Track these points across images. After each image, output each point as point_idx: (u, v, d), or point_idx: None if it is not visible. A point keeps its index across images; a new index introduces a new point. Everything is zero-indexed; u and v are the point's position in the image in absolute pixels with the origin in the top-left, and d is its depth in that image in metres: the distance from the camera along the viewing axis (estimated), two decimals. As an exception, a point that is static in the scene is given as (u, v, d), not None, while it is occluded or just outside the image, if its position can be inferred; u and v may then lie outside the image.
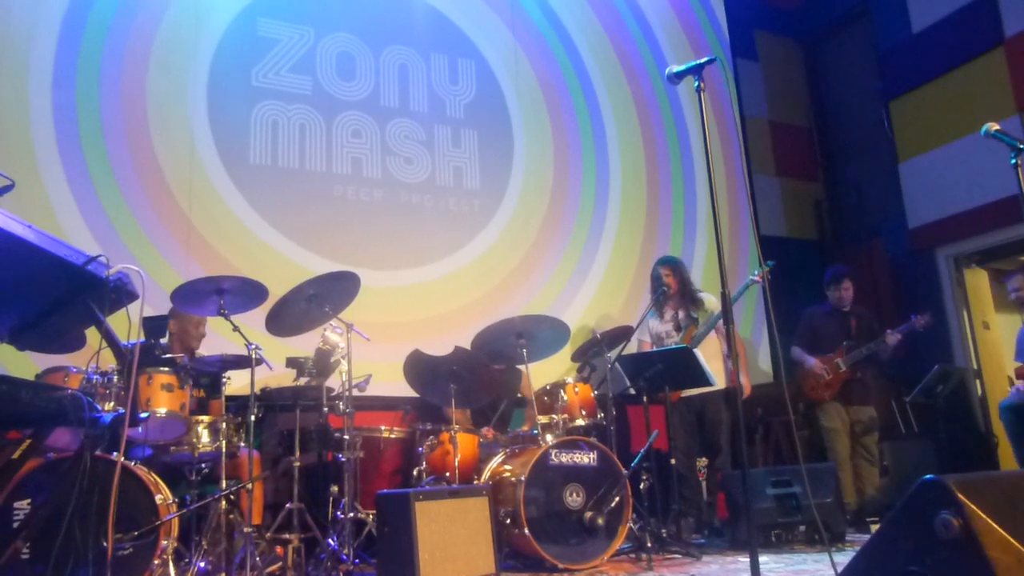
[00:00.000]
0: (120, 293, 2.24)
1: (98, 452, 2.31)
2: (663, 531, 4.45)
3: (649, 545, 4.14)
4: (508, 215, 6.25)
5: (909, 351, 5.58)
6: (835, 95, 8.50)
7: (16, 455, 2.18)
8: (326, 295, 4.07)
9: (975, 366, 6.90)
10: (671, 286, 5.34)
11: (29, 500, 3.08)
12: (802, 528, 4.67)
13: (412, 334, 5.22)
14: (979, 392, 6.82)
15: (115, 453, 2.78)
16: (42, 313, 2.23)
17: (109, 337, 2.25)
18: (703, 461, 5.28)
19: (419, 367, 4.35)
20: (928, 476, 1.76)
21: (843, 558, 4.11)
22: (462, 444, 4.26)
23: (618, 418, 5.22)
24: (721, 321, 5.29)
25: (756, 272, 5.25)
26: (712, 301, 5.44)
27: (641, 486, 4.47)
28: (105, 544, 2.45)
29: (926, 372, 6.03)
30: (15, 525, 3.02)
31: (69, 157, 4.89)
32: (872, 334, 5.58)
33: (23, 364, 3.91)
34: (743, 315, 6.93)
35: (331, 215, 5.60)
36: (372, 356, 4.54)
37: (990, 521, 1.65)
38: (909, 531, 1.78)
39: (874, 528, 5.22)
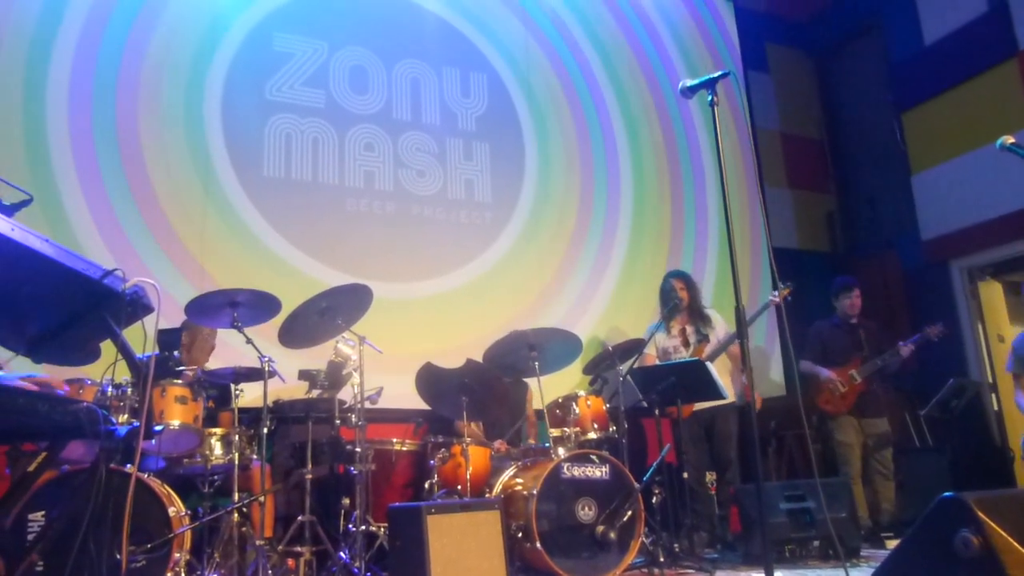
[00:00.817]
0: (136, 307, 2.24)
1: (112, 464, 2.31)
2: (676, 546, 4.42)
3: (662, 560, 4.12)
4: (519, 228, 6.26)
5: (923, 364, 5.54)
6: (847, 107, 8.49)
7: (32, 468, 2.19)
8: (339, 308, 4.08)
9: (990, 380, 6.83)
10: (684, 299, 5.33)
11: (43, 512, 3.09)
12: (816, 543, 4.63)
13: (424, 347, 5.22)
14: (995, 406, 6.75)
15: (129, 465, 2.78)
16: (59, 326, 2.24)
17: (125, 350, 2.26)
18: (712, 475, 5.25)
19: (431, 380, 4.35)
20: (947, 493, 1.75)
21: (858, 573, 4.08)
22: (474, 457, 4.25)
23: (630, 431, 5.20)
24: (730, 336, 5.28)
25: (774, 293, 5.18)
26: (719, 319, 5.42)
27: (654, 500, 4.45)
28: (119, 557, 2.45)
29: (941, 386, 5.97)
30: (29, 537, 3.03)
31: (85, 171, 4.93)
32: (880, 346, 5.53)
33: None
34: (755, 327, 6.88)
35: (344, 228, 5.62)
36: (384, 368, 4.54)
37: (1010, 539, 1.63)
38: (928, 549, 1.77)
39: (889, 543, 5.19)
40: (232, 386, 4.01)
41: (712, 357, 5.17)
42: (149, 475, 3.50)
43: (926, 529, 1.80)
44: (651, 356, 5.41)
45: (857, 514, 4.97)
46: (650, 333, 5.36)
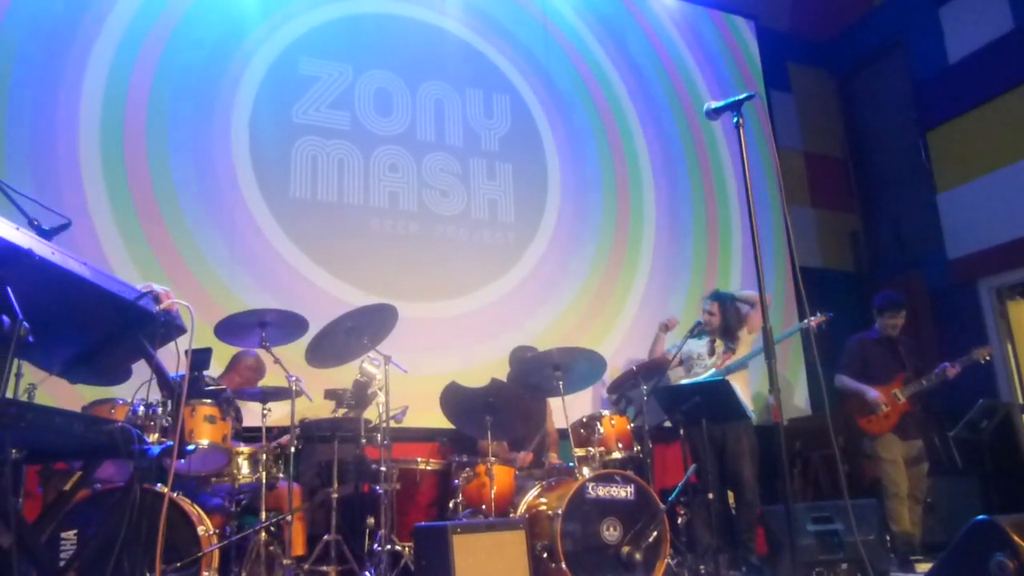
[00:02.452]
0: (169, 328, 2.28)
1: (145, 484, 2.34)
2: (701, 567, 4.38)
3: (688, 582, 4.08)
4: (542, 248, 6.27)
5: (952, 385, 5.44)
6: (870, 126, 8.45)
7: (68, 487, 2.23)
8: (364, 327, 4.12)
9: (1020, 400, 6.72)
10: (709, 323, 5.30)
11: (76, 531, 3.13)
12: (844, 566, 4.56)
13: (448, 366, 5.24)
14: (1025, 428, 6.64)
15: (159, 485, 2.82)
16: (95, 347, 2.28)
17: (159, 370, 2.30)
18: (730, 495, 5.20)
19: (455, 399, 4.36)
20: (981, 517, 1.73)
21: (889, 598, 4.01)
22: (498, 477, 4.24)
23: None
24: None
25: (809, 319, 5.12)
26: (746, 340, 5.38)
27: (679, 521, 4.41)
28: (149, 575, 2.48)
29: (970, 407, 5.88)
30: (62, 555, 3.07)
31: (115, 194, 5.03)
32: (918, 363, 5.43)
33: (70, 396, 3.98)
34: (779, 347, 6.83)
35: (369, 248, 5.67)
36: (409, 388, 4.56)
37: (1047, 564, 1.61)
38: (962, 572, 1.75)
39: (918, 567, 5.10)
40: (261, 405, 4.06)
41: (727, 371, 5.14)
42: (179, 494, 3.53)
43: (960, 553, 1.78)
44: (673, 356, 5.37)
45: (885, 536, 4.87)
46: (679, 345, 5.36)
